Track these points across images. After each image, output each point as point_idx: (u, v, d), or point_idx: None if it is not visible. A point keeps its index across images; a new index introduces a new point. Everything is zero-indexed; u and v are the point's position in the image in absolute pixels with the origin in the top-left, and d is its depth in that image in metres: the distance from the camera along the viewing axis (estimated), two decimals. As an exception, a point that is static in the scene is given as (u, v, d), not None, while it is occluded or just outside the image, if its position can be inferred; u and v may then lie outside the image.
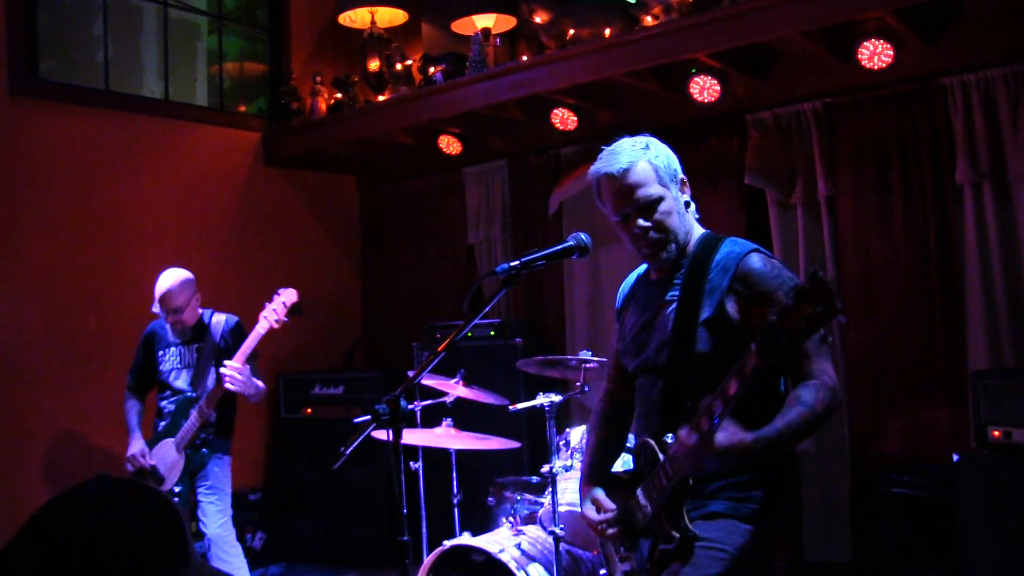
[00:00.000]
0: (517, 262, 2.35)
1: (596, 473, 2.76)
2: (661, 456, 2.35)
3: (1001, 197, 4.57)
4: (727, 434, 2.11)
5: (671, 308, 2.46)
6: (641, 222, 2.44)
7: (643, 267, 2.72)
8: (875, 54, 4.51)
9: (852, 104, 4.96)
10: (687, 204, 2.53)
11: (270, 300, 4.48)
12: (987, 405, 4.15)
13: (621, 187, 2.44)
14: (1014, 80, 4.43)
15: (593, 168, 2.53)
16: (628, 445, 2.94)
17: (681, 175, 2.53)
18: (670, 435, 2.32)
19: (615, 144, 2.52)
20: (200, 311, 4.76)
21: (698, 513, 2.36)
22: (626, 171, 2.43)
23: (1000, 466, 4.02)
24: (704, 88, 5.01)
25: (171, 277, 4.63)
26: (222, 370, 4.36)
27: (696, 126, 5.50)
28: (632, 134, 2.51)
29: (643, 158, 2.46)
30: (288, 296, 4.46)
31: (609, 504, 2.63)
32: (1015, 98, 4.45)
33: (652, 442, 2.43)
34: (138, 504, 1.34)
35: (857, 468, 4.99)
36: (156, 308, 4.63)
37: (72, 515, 1.30)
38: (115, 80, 6.13)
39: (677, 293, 2.46)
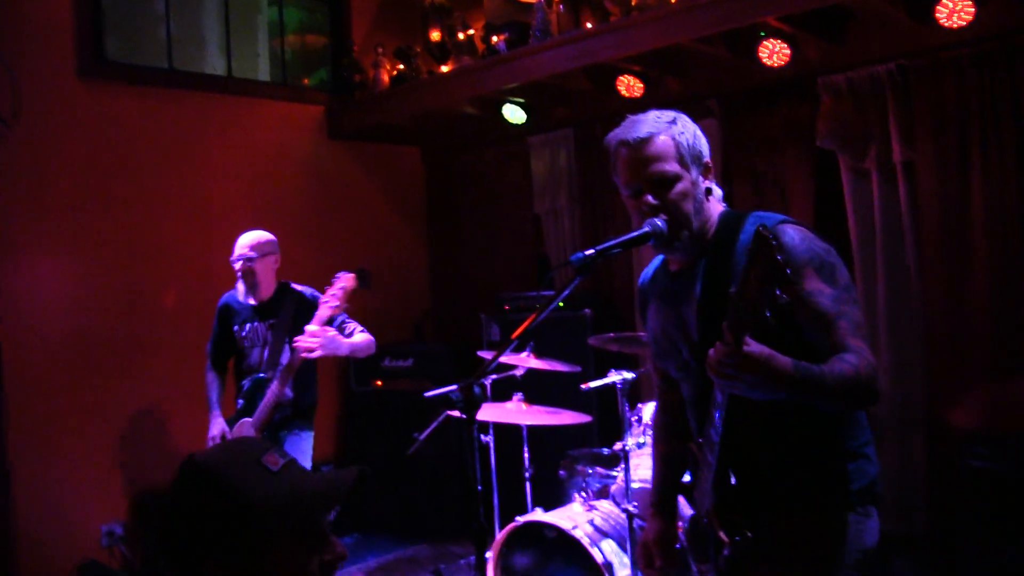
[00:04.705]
0: (592, 251, 2.17)
1: (660, 498, 2.68)
2: (710, 457, 2.21)
3: (1088, 161, 4.39)
4: (760, 347, 1.91)
5: (695, 303, 2.30)
6: (651, 199, 2.25)
7: (661, 257, 2.51)
8: (954, 12, 4.36)
9: (929, 66, 4.76)
10: (708, 191, 2.32)
11: (330, 284, 4.46)
12: (1073, 377, 4.03)
13: (637, 158, 2.26)
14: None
15: (611, 134, 2.35)
16: None
17: (707, 159, 2.33)
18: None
19: (640, 114, 2.33)
20: (278, 282, 4.79)
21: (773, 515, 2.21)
22: (644, 141, 2.25)
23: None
24: (774, 52, 4.88)
25: (253, 232, 4.75)
26: (297, 340, 4.34)
27: (766, 92, 5.34)
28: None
29: (666, 131, 2.26)
30: (346, 281, 4.41)
31: (660, 555, 2.59)
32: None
33: (692, 447, 2.34)
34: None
35: (934, 439, 4.89)
36: (235, 259, 4.70)
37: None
38: (178, 58, 6.16)
39: (699, 286, 2.29)
